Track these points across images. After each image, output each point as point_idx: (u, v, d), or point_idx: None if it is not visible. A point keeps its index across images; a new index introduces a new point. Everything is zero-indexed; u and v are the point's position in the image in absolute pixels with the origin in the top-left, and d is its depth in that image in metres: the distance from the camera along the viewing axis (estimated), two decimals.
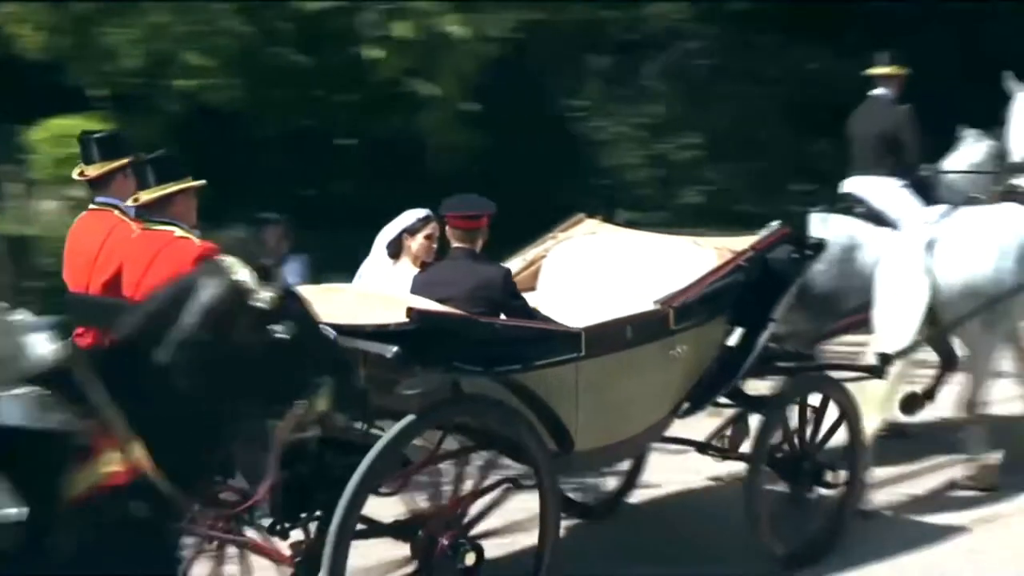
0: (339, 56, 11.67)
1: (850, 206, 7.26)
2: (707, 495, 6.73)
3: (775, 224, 6.06)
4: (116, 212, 5.14)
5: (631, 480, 6.46)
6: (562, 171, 13.73)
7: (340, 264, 7.77)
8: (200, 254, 4.44)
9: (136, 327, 3.65)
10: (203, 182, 4.91)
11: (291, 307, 3.70)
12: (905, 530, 6.25)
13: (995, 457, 6.70)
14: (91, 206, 5.30)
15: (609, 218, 6.63)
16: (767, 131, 13.90)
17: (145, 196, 4.84)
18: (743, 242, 5.92)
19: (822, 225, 7.09)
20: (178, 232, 4.63)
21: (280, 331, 3.61)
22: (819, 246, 6.14)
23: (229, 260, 3.69)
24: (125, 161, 5.16)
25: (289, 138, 12.22)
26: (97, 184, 5.24)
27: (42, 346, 3.59)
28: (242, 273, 3.63)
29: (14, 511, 3.22)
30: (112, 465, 3.35)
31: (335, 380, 3.73)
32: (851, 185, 7.49)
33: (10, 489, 3.24)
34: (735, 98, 14.14)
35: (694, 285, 5.56)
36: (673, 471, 6.54)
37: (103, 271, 4.98)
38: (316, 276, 7.79)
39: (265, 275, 3.68)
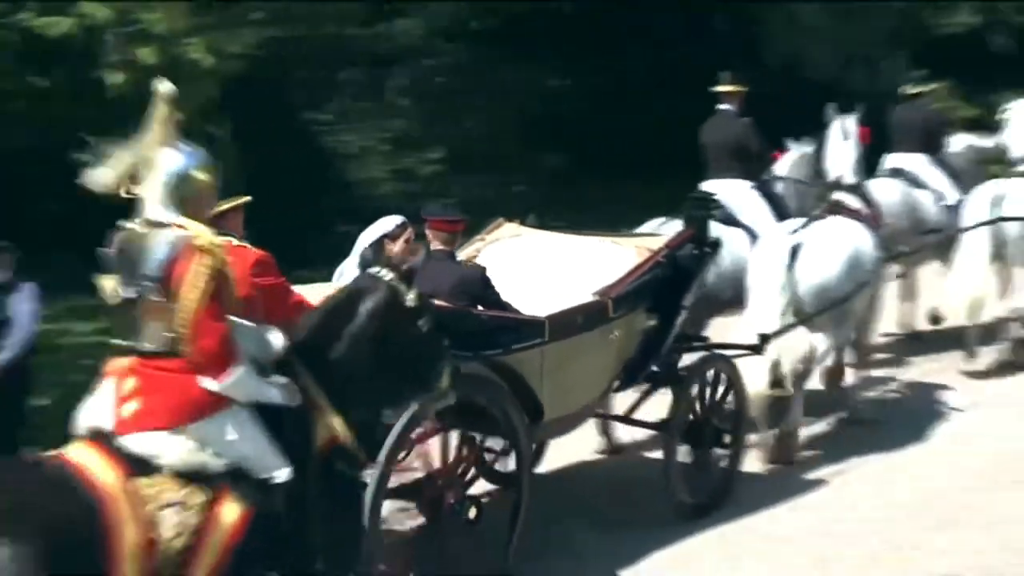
0: (77, 79, 11.42)
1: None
2: (606, 463, 7.32)
3: (679, 225, 6.88)
4: (231, 242, 5.45)
5: (539, 450, 6.85)
6: (312, 185, 13.85)
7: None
8: (256, 260, 4.83)
9: (318, 325, 4.44)
10: (250, 198, 5.25)
11: (428, 304, 4.64)
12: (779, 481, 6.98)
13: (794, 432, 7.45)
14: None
15: (523, 221, 7.09)
16: (506, 145, 14.47)
17: (223, 207, 4.99)
18: (657, 241, 6.65)
19: (673, 225, 7.47)
20: (235, 241, 4.87)
21: (422, 324, 4.54)
22: (716, 244, 6.86)
23: (382, 269, 4.58)
24: (242, 201, 5.51)
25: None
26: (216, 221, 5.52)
27: (276, 342, 4.23)
28: (394, 278, 4.53)
29: (285, 472, 3.99)
30: (323, 432, 4.18)
31: (450, 363, 4.68)
32: (709, 187, 8.05)
33: (282, 453, 4.00)
34: (476, 113, 14.65)
35: (625, 278, 6.22)
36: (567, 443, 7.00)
37: None
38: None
39: (408, 280, 4.57)
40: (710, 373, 6.63)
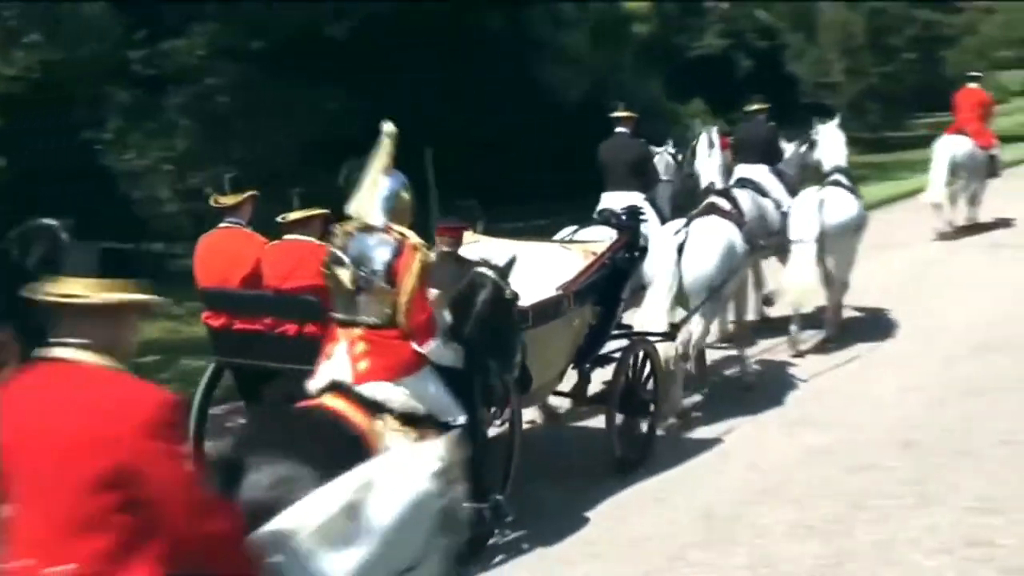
0: None
1: (607, 217, 8.66)
2: (546, 431, 8.30)
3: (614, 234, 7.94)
4: (244, 229, 6.53)
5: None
6: (95, 204, 13.57)
7: None
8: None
9: (452, 311, 5.74)
10: (328, 211, 6.15)
11: (516, 296, 6.07)
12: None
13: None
14: (221, 225, 6.57)
15: (475, 229, 7.84)
16: (287, 166, 14.56)
17: (292, 216, 6.33)
18: (598, 246, 7.71)
19: (586, 232, 8.51)
20: (310, 241, 6.12)
21: (513, 312, 5.97)
22: (645, 249, 7.94)
23: (488, 269, 6.03)
24: (254, 193, 6.62)
25: None
26: (228, 210, 6.56)
27: (445, 319, 5.69)
28: (497, 277, 5.95)
29: (462, 418, 5.24)
30: None
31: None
32: (606, 200, 9.09)
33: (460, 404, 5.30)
34: (255, 133, 14.65)
35: (578, 276, 7.28)
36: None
37: (240, 270, 6.33)
38: None
39: (505, 276, 6.04)
40: (637, 354, 7.62)
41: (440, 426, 4.98)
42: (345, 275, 5.21)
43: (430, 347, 5.38)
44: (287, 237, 6.32)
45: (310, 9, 14.71)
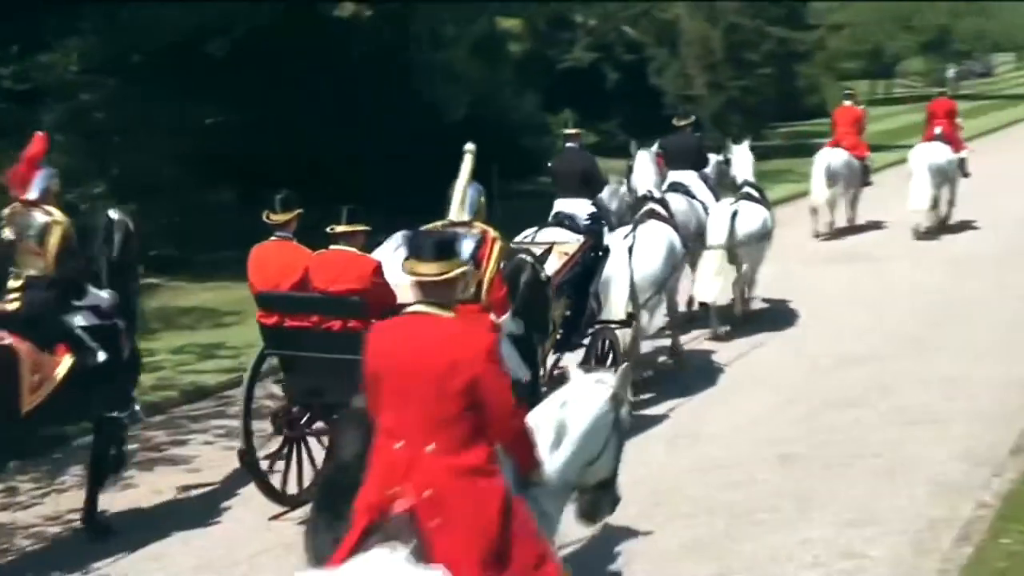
0: None
1: (561, 219, 9.33)
2: None
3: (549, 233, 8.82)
4: (292, 241, 7.26)
5: None
6: None
7: None
8: (375, 267, 6.80)
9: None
10: (369, 228, 7.00)
11: (549, 279, 7.32)
12: None
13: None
14: (272, 238, 7.29)
15: None
16: (165, 181, 14.25)
17: (339, 229, 6.91)
18: (570, 247, 8.42)
19: (544, 234, 9.05)
20: (354, 252, 6.88)
21: (547, 291, 7.09)
22: (607, 249, 8.82)
23: (526, 255, 7.32)
24: (300, 211, 7.31)
25: None
26: (279, 225, 7.26)
27: None
28: (535, 260, 7.27)
29: (528, 375, 6.74)
30: None
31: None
32: (559, 206, 9.69)
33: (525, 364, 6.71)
34: (133, 149, 14.29)
35: (558, 272, 8.07)
36: None
37: (291, 277, 7.06)
38: None
39: (542, 262, 7.40)
40: (603, 340, 8.18)
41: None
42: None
43: (507, 317, 6.62)
44: (333, 247, 7.00)
45: (193, 21, 14.37)
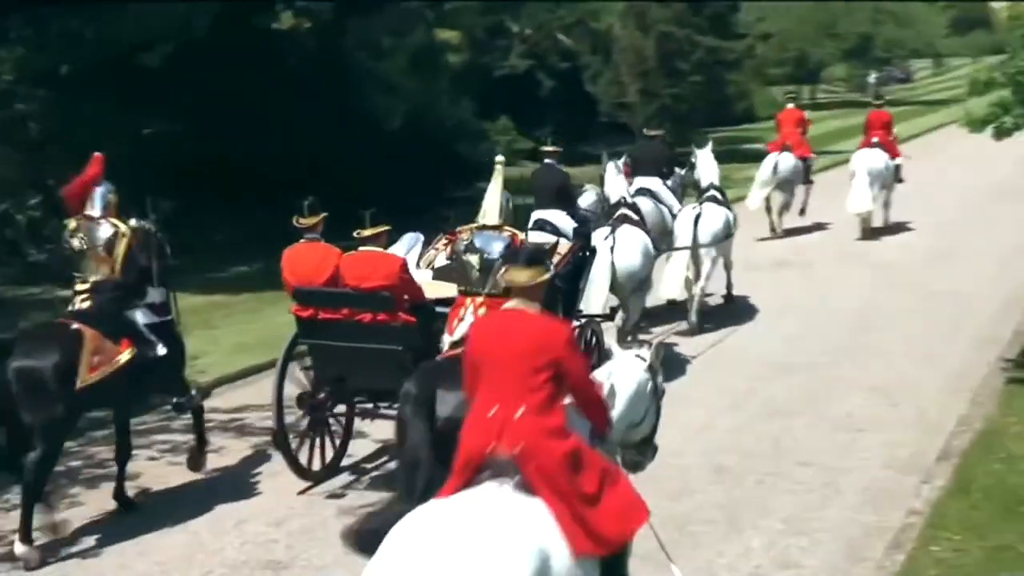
0: None
1: (542, 225, 10.22)
2: None
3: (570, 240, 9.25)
4: (321, 242, 7.95)
5: None
6: None
7: None
8: (402, 264, 7.67)
9: None
10: (390, 227, 7.86)
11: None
12: None
13: None
14: (303, 240, 7.97)
15: None
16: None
17: (365, 232, 7.69)
18: (563, 247, 8.60)
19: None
20: (383, 251, 7.68)
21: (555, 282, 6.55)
22: (594, 249, 9.27)
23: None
24: (325, 215, 7.94)
25: None
26: (308, 228, 7.94)
27: None
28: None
29: None
30: None
31: None
32: (538, 214, 10.59)
33: None
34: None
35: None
36: None
37: (323, 274, 7.78)
38: None
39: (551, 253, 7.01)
40: (588, 332, 8.52)
41: None
42: (474, 260, 7.28)
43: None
44: (362, 248, 7.78)
45: (125, 33, 14.12)
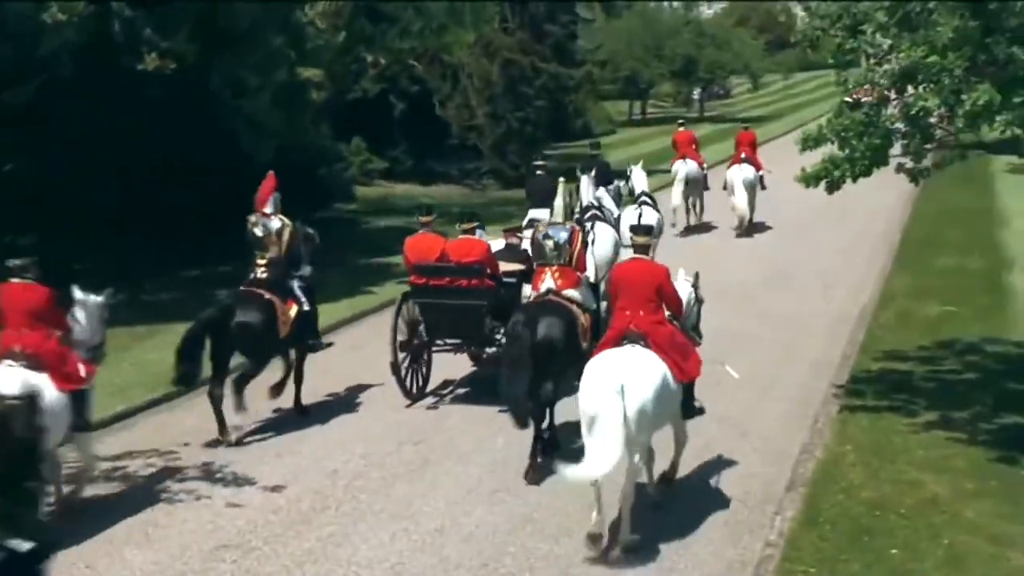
0: None
1: (536, 224, 11.68)
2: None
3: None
4: (431, 232, 11.07)
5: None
6: None
7: None
8: (488, 247, 11.02)
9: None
10: (479, 223, 11.38)
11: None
12: None
13: None
14: (420, 231, 11.11)
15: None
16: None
17: (464, 226, 11.05)
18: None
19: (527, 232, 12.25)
20: (476, 238, 11.08)
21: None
22: (592, 240, 12.41)
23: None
24: (434, 216, 11.20)
25: None
26: (424, 224, 11.05)
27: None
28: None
29: (595, 307, 10.27)
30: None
31: None
32: (533, 214, 13.56)
33: (594, 299, 10.38)
34: None
35: None
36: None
37: (434, 253, 10.89)
38: None
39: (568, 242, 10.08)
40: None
41: (590, 311, 9.83)
42: (549, 244, 9.82)
43: (589, 271, 10.47)
44: (462, 236, 11.05)
45: None
